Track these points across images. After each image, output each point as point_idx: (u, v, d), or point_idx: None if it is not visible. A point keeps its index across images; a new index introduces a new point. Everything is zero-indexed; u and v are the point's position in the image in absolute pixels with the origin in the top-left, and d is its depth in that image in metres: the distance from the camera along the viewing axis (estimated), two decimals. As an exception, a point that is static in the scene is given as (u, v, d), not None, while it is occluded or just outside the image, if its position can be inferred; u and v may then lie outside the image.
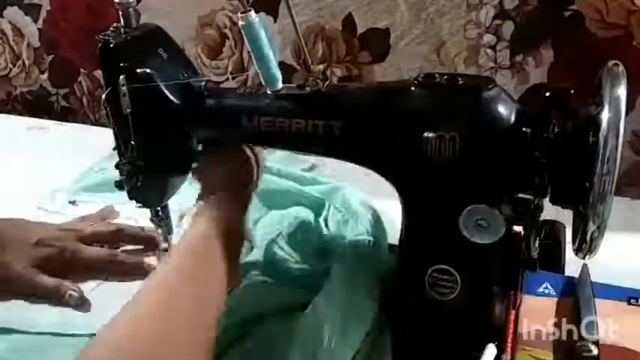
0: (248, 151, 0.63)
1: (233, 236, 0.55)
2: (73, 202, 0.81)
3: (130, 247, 0.72)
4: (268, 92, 0.56)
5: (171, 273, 0.50)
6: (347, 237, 0.68)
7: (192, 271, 0.50)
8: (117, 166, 0.63)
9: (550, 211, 0.52)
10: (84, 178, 0.86)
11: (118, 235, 0.72)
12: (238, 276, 0.58)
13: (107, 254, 0.69)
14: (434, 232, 0.53)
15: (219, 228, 0.53)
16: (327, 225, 0.73)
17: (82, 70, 1.14)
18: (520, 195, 0.50)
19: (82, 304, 0.64)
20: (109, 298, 0.62)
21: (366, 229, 0.67)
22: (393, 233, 0.62)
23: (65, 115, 1.18)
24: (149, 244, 0.71)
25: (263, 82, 0.56)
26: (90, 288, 0.66)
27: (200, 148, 0.65)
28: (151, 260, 0.70)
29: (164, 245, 0.70)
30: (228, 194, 0.58)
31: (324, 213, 0.75)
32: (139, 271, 0.68)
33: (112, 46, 0.58)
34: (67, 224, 0.72)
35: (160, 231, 0.68)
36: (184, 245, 0.53)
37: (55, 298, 0.64)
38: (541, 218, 0.53)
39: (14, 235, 0.66)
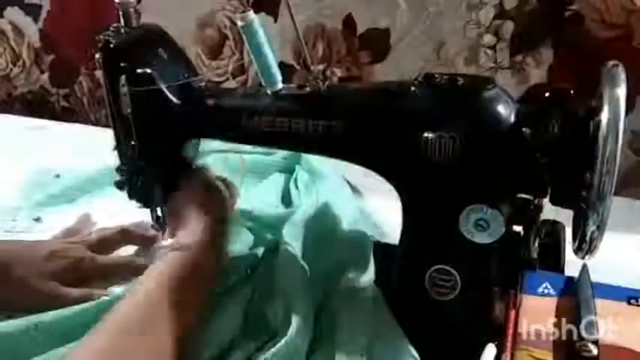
0: (221, 183, 0.63)
1: (202, 278, 0.55)
2: (37, 219, 0.77)
3: (133, 248, 0.71)
4: (268, 92, 0.56)
5: (129, 318, 0.50)
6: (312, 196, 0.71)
7: (149, 319, 0.50)
8: (118, 169, 0.63)
9: (550, 211, 0.52)
10: (33, 192, 0.82)
11: (125, 237, 0.71)
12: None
13: (125, 259, 0.69)
14: (434, 232, 0.53)
15: (185, 269, 0.54)
16: (297, 186, 0.77)
17: (82, 70, 1.14)
18: (520, 195, 0.50)
19: None
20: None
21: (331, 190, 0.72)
22: (393, 233, 0.62)
23: (65, 115, 1.18)
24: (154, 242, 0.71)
25: (263, 82, 0.56)
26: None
27: (200, 148, 0.65)
28: None
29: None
30: (201, 228, 0.57)
31: (295, 175, 0.79)
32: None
33: (112, 46, 0.58)
34: (62, 238, 0.71)
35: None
36: (148, 285, 0.53)
37: None
38: (541, 218, 0.53)
39: (22, 253, 0.64)
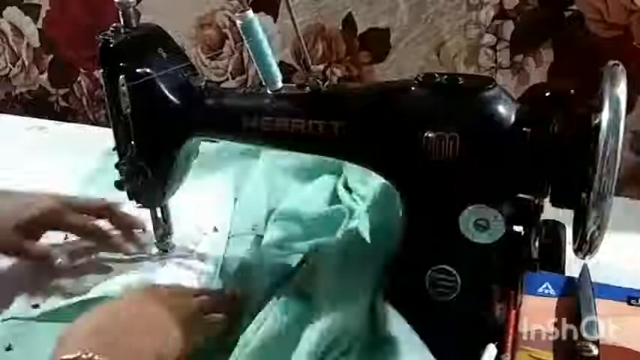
0: None
1: None
2: None
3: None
4: (268, 92, 0.56)
5: None
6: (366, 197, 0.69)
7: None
8: (117, 166, 0.63)
9: (550, 211, 0.52)
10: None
11: (107, 213, 0.70)
12: None
13: (93, 225, 0.69)
14: (434, 232, 0.53)
15: None
16: (347, 187, 0.75)
17: (81, 70, 1.14)
18: (520, 195, 0.50)
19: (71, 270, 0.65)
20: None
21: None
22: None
23: (65, 115, 1.18)
24: (127, 231, 0.70)
25: (263, 82, 0.56)
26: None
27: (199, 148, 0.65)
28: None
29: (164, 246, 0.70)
30: None
31: (342, 177, 0.77)
32: (122, 248, 0.68)
33: (111, 46, 0.58)
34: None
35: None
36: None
37: (45, 263, 0.64)
38: (541, 218, 0.53)
39: (5, 200, 0.67)
